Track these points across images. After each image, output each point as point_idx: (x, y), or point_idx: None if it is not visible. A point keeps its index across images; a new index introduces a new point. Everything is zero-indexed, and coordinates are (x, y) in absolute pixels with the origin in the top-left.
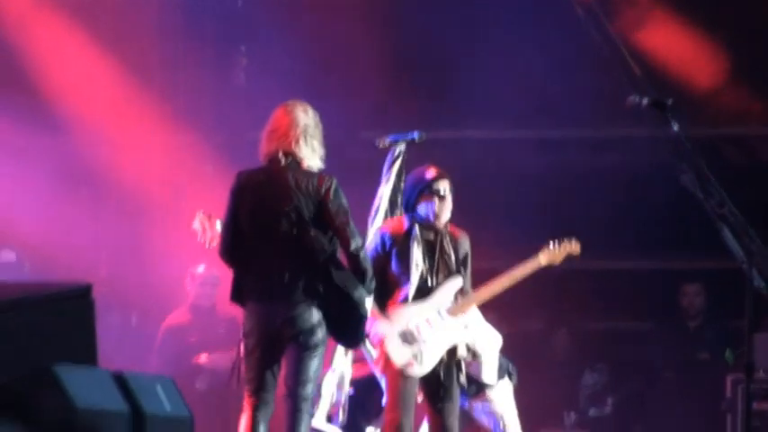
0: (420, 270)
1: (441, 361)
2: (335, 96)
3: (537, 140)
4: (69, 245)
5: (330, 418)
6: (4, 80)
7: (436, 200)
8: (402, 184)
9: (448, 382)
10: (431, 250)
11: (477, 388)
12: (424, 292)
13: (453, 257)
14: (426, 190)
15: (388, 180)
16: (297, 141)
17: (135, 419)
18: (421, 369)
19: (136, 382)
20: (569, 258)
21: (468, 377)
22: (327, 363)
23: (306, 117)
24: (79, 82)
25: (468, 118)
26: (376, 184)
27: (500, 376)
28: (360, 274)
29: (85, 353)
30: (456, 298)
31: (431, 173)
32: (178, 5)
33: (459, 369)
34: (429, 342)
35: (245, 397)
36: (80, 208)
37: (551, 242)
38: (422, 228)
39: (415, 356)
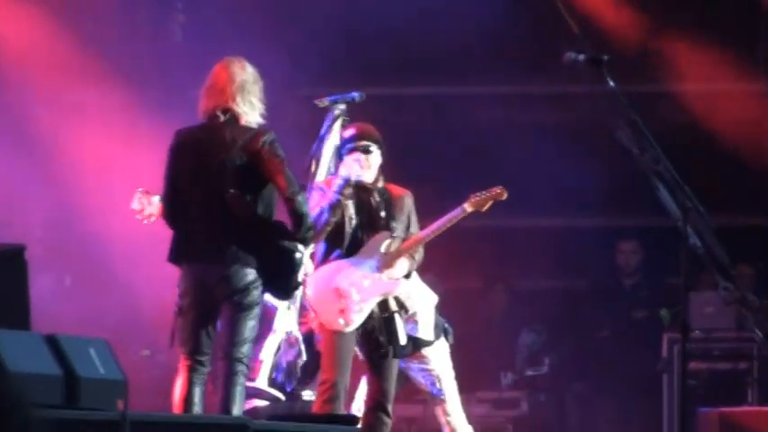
0: (352, 226)
1: (371, 316)
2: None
3: (477, 96)
4: (3, 204)
5: (272, 382)
6: None
7: (361, 157)
8: None
9: (383, 339)
10: (360, 207)
11: (413, 347)
12: (354, 248)
13: (384, 214)
14: (349, 149)
15: (327, 139)
16: (234, 97)
17: (68, 382)
18: (348, 325)
19: (69, 345)
20: (496, 203)
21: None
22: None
23: (243, 73)
24: (16, 39)
25: (408, 74)
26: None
27: (436, 335)
28: (297, 218)
29: (18, 315)
30: (385, 252)
31: (351, 131)
32: None
33: (393, 324)
34: (355, 297)
35: (181, 359)
36: (16, 168)
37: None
38: (353, 185)
39: (341, 311)
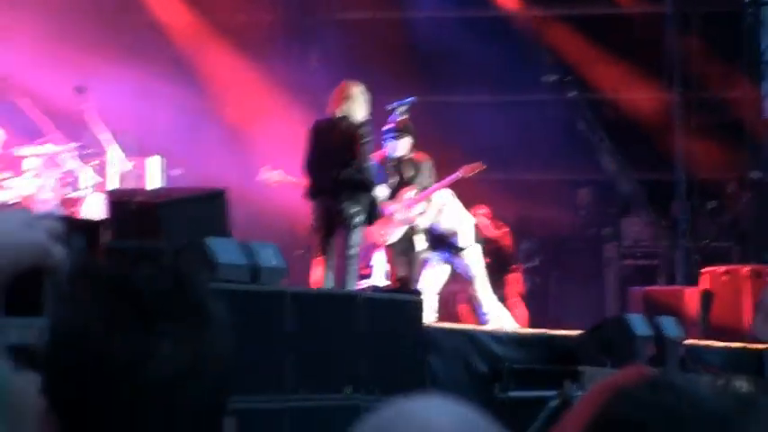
0: (391, 183)
1: (405, 234)
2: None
3: (483, 102)
4: (213, 160)
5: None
6: None
7: (393, 140)
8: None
9: (410, 246)
10: (396, 173)
11: (456, 249)
12: (393, 197)
13: (411, 174)
14: (386, 135)
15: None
16: (346, 103)
17: (252, 269)
18: (387, 241)
19: (253, 247)
20: (480, 171)
21: (452, 244)
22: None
23: (353, 89)
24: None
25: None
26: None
27: (473, 242)
28: (369, 183)
29: (222, 230)
30: (408, 197)
31: (387, 126)
32: None
33: (414, 239)
34: (392, 224)
35: (316, 257)
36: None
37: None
38: (390, 159)
39: (382, 234)
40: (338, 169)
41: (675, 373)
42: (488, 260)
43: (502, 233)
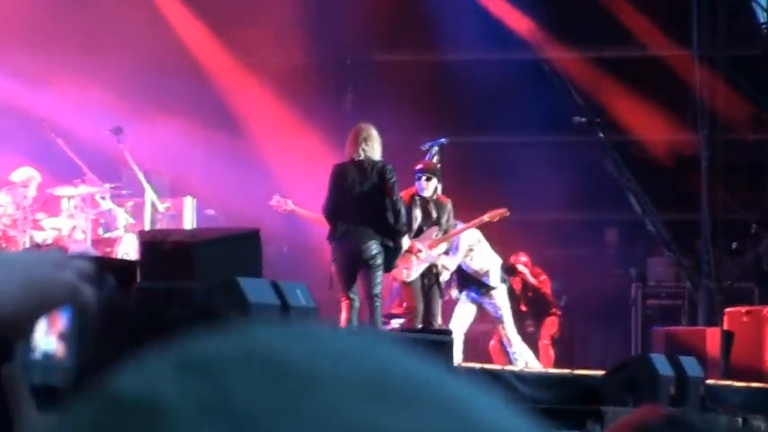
0: (417, 222)
1: (424, 273)
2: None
3: (516, 143)
4: (245, 200)
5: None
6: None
7: (423, 181)
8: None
9: (430, 284)
10: (422, 211)
11: (486, 289)
12: (418, 235)
13: (435, 215)
14: (418, 175)
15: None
16: (365, 145)
17: (283, 309)
18: (410, 277)
19: (284, 287)
20: (502, 218)
21: (480, 282)
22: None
23: (372, 131)
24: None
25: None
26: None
27: (500, 282)
28: (402, 228)
29: (255, 270)
30: (434, 238)
31: (419, 165)
32: None
33: (438, 277)
34: (414, 261)
35: (342, 299)
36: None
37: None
38: (418, 197)
39: (406, 268)
40: (367, 212)
41: (692, 413)
42: (527, 307)
43: (541, 280)
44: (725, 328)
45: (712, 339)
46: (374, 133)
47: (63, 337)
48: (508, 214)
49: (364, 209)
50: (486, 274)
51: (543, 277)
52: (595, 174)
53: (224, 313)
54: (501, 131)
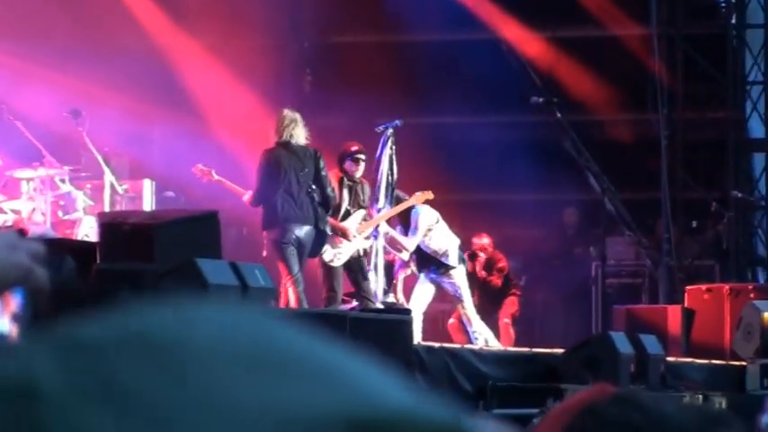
0: (345, 204)
1: (352, 256)
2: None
3: (473, 123)
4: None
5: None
6: None
7: (361, 162)
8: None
9: (360, 265)
10: (350, 194)
11: (444, 269)
12: (346, 218)
13: (362, 197)
14: (356, 156)
15: (384, 152)
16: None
17: (242, 290)
18: (340, 261)
19: (243, 268)
20: (427, 200)
21: (439, 262)
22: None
23: (296, 115)
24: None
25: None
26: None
27: (459, 262)
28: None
29: (214, 251)
30: (361, 221)
31: (355, 147)
32: None
33: (362, 260)
34: (345, 246)
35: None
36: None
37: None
38: (348, 179)
39: (335, 255)
40: (303, 197)
41: (641, 391)
42: (481, 292)
43: (499, 266)
44: (685, 305)
45: (673, 317)
46: (298, 117)
47: (16, 318)
48: (432, 196)
49: (300, 194)
50: (445, 254)
51: (502, 264)
52: (554, 153)
53: (178, 295)
54: (458, 112)
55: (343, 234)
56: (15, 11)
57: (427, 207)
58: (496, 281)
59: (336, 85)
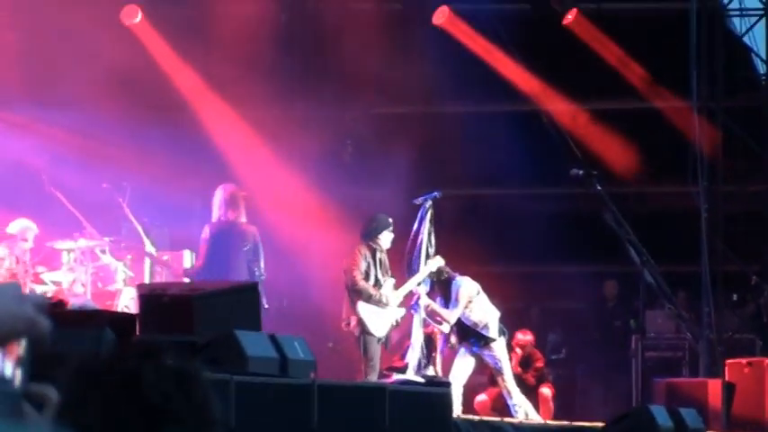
0: (374, 274)
1: (391, 327)
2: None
3: (515, 195)
4: None
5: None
6: None
7: (391, 234)
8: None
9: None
10: (380, 264)
11: (485, 341)
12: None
13: (388, 266)
14: (387, 228)
15: (423, 224)
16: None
17: (282, 362)
18: (382, 334)
19: (282, 340)
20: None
21: (479, 334)
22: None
23: (240, 194)
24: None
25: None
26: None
27: (499, 334)
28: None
29: (253, 323)
30: (392, 290)
31: (390, 219)
32: None
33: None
34: (385, 316)
35: None
36: None
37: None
38: (379, 250)
39: (383, 326)
40: (242, 273)
41: None
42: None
43: (539, 362)
44: (726, 379)
45: (714, 391)
46: (241, 197)
47: (19, 364)
48: (443, 262)
49: (239, 271)
50: (486, 326)
51: (540, 364)
52: (594, 226)
53: (198, 375)
54: (498, 184)
55: (386, 303)
56: (56, 82)
57: (468, 279)
58: (531, 379)
59: (376, 155)
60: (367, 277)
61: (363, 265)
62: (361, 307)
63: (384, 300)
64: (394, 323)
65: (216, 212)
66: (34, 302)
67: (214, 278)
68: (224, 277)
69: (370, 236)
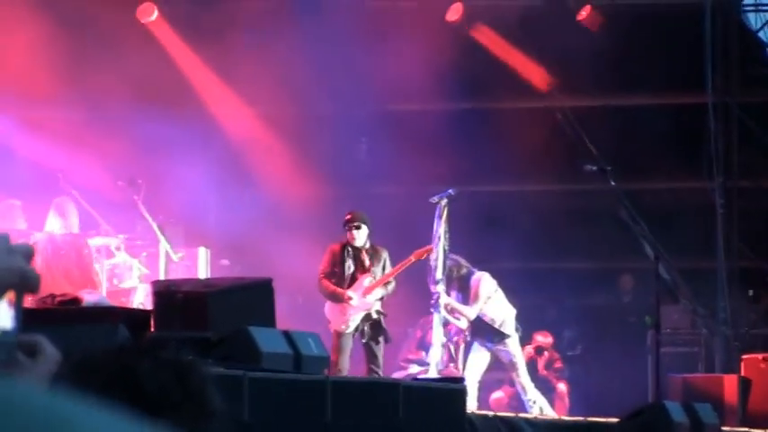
0: (350, 271)
1: (362, 320)
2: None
3: (529, 192)
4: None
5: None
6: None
7: (354, 231)
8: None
9: (373, 333)
10: (354, 260)
11: (500, 337)
12: (352, 283)
13: (368, 263)
14: (347, 225)
15: (439, 222)
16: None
17: (295, 358)
18: (349, 328)
19: (296, 337)
20: (429, 254)
21: (494, 330)
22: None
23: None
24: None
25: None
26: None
27: (513, 331)
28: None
29: (268, 319)
30: (366, 285)
31: (348, 216)
32: None
33: (378, 323)
34: (350, 311)
35: None
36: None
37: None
38: (350, 247)
39: (345, 322)
40: None
41: None
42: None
43: (558, 363)
44: (742, 375)
45: (729, 386)
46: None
47: (11, 314)
48: (432, 249)
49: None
50: (502, 323)
51: (559, 365)
52: (609, 221)
53: (197, 367)
54: (511, 181)
55: (341, 298)
56: (71, 79)
57: (487, 275)
58: (554, 380)
59: (392, 152)
60: (333, 275)
61: (328, 265)
62: (327, 306)
63: (344, 297)
64: (366, 317)
65: None
66: (23, 253)
67: None
68: None
69: (344, 232)
